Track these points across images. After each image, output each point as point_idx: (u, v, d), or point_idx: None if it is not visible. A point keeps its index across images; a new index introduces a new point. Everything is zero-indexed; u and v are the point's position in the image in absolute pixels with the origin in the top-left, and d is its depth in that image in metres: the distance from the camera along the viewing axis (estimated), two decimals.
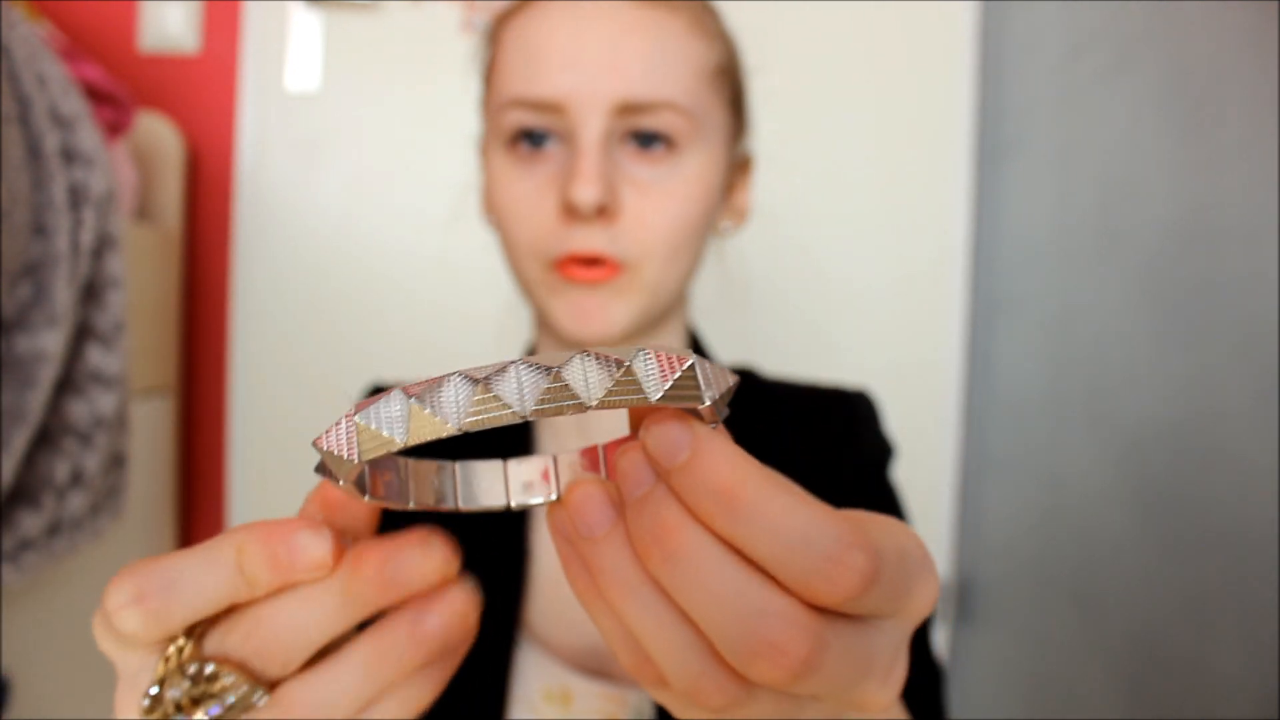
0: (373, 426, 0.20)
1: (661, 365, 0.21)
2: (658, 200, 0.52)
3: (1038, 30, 1.18)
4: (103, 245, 0.86)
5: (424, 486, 0.25)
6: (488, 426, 0.20)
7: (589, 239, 0.51)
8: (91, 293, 0.85)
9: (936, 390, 1.24)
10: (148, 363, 1.15)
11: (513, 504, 0.26)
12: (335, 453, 0.21)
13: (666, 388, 0.20)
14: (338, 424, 0.21)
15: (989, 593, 1.21)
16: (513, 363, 0.20)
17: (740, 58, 0.58)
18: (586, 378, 0.20)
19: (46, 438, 0.80)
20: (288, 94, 1.25)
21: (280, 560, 0.23)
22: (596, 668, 0.54)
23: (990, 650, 1.20)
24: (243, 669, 0.24)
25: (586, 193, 0.49)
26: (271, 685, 0.25)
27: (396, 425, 0.20)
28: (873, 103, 1.24)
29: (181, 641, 0.24)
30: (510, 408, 0.20)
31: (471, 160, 0.61)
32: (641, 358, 0.21)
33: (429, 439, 0.20)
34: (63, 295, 0.78)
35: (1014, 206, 1.22)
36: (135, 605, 0.23)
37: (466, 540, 0.55)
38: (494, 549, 0.56)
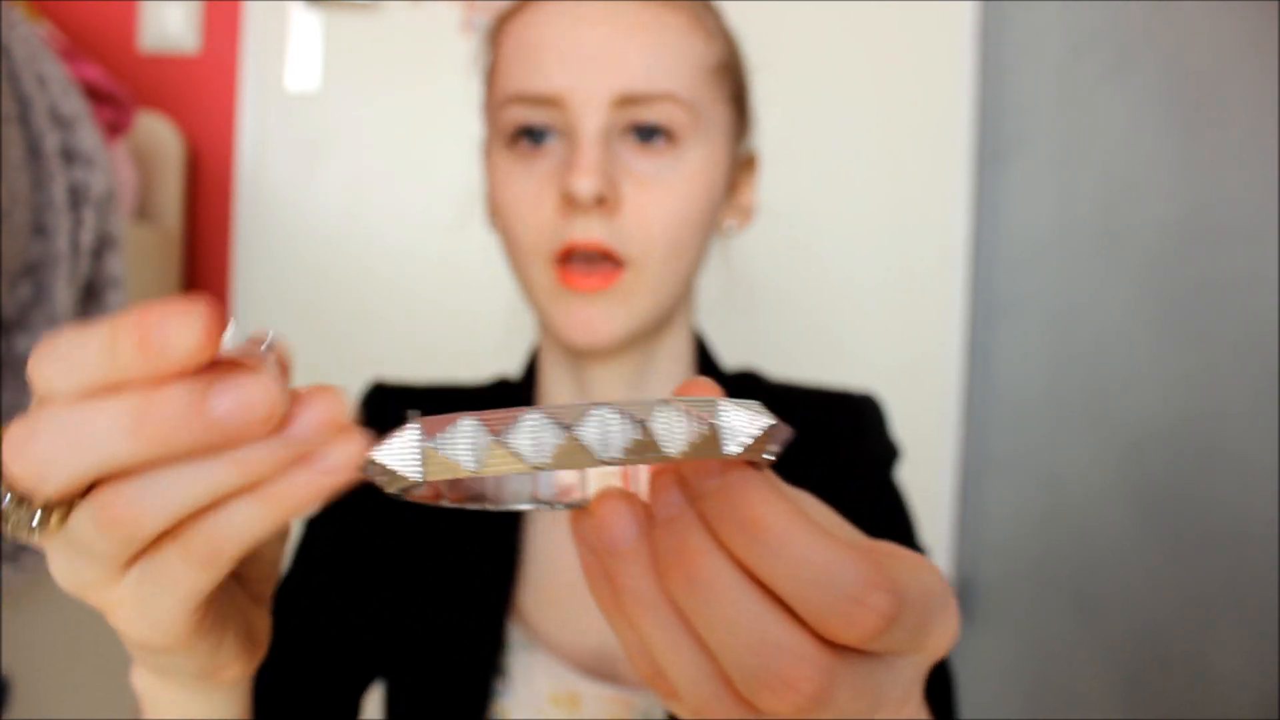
0: (442, 454, 0.20)
1: (747, 424, 0.20)
2: (658, 195, 0.51)
3: (1038, 30, 1.18)
4: (103, 245, 0.86)
5: (458, 483, 0.25)
6: (566, 469, 0.20)
7: (589, 230, 0.50)
8: (91, 293, 0.85)
9: (937, 390, 1.24)
10: None
11: (539, 507, 0.26)
12: (392, 468, 0.20)
13: (743, 444, 0.20)
14: (399, 438, 0.20)
15: (989, 593, 1.21)
16: (596, 406, 0.20)
17: (742, 56, 0.58)
18: (668, 430, 0.20)
19: None
20: (288, 94, 1.25)
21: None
22: (604, 671, 0.54)
23: (990, 650, 1.20)
24: (11, 480, 0.22)
25: (585, 184, 0.49)
26: (49, 506, 0.22)
27: (467, 457, 0.20)
28: (873, 102, 1.24)
29: None
30: (593, 455, 0.20)
31: (473, 163, 0.61)
32: (725, 415, 0.20)
33: (501, 474, 0.20)
34: (63, 295, 0.78)
35: (1014, 206, 1.22)
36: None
37: (458, 541, 0.56)
38: (485, 552, 0.56)
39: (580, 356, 0.56)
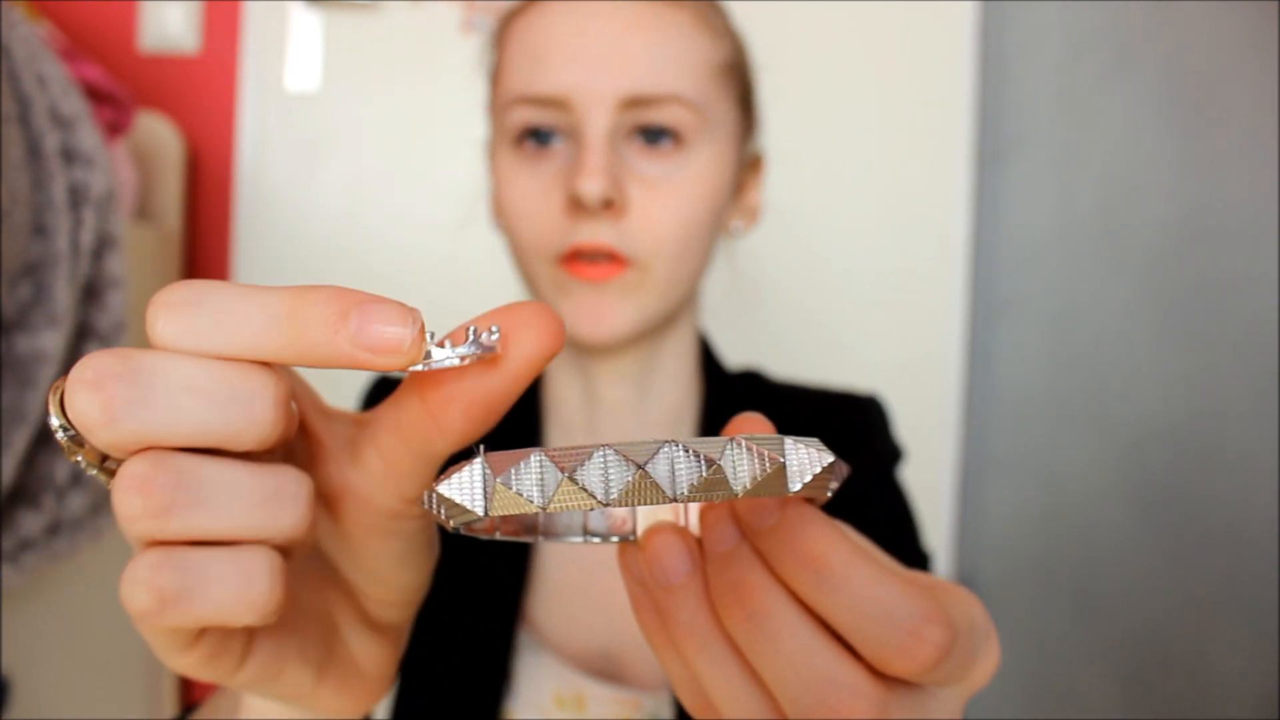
0: (509, 490, 0.20)
1: (811, 462, 0.21)
2: (665, 197, 0.51)
3: (1038, 30, 1.18)
4: (103, 245, 0.86)
5: (512, 515, 0.25)
6: (633, 506, 0.20)
7: (596, 233, 0.50)
8: (91, 293, 0.85)
9: (937, 389, 1.24)
10: None
11: (589, 539, 0.26)
12: (458, 503, 0.20)
13: (806, 481, 0.20)
14: (464, 473, 0.20)
15: (989, 593, 1.21)
16: (665, 444, 0.20)
17: (749, 56, 0.58)
18: (735, 467, 0.20)
19: (46, 438, 0.80)
20: (288, 94, 1.24)
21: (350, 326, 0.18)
22: (610, 672, 0.53)
23: None
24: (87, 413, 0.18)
25: (592, 186, 0.48)
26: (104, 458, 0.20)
27: (535, 493, 0.20)
28: (873, 102, 1.24)
29: None
30: (664, 492, 0.20)
31: (475, 163, 0.61)
32: (791, 453, 0.20)
33: (568, 509, 0.20)
34: (63, 295, 0.78)
35: (1014, 206, 1.22)
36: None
37: (468, 544, 0.56)
38: (495, 556, 0.56)
39: (586, 353, 0.56)
